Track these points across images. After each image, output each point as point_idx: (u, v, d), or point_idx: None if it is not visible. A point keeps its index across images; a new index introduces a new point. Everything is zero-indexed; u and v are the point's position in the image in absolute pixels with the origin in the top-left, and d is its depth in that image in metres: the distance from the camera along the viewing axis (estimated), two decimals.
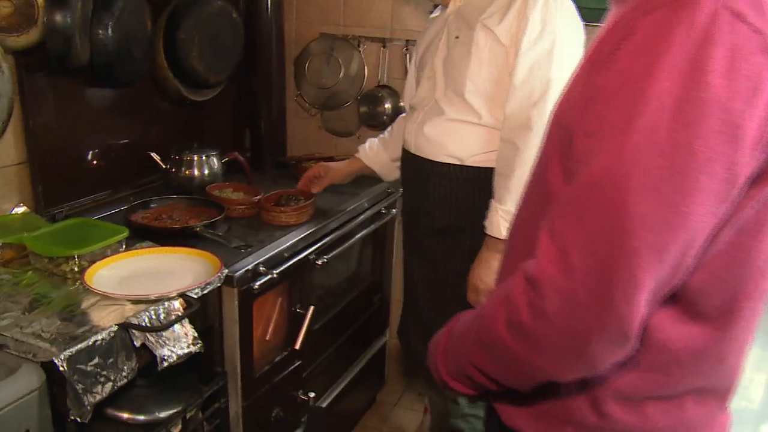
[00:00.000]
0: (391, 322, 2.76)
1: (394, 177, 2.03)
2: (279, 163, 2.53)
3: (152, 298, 1.37)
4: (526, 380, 0.87)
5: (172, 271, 1.53)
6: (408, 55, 2.52)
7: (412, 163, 1.74)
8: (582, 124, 0.78)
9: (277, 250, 1.73)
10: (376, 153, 1.96)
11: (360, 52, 2.57)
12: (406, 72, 2.54)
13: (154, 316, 1.37)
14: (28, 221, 1.66)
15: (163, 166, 2.12)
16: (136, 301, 1.37)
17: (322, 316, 2.07)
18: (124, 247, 1.61)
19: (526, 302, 0.79)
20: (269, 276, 1.63)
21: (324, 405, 2.13)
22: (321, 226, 1.91)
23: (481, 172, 1.62)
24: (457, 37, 1.62)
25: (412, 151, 1.72)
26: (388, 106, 2.55)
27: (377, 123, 2.58)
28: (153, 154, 2.10)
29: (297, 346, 1.85)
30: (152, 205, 1.91)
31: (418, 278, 1.80)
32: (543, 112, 1.50)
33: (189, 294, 1.42)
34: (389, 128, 2.02)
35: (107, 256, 1.53)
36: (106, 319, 1.32)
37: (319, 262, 1.86)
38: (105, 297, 1.37)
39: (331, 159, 2.48)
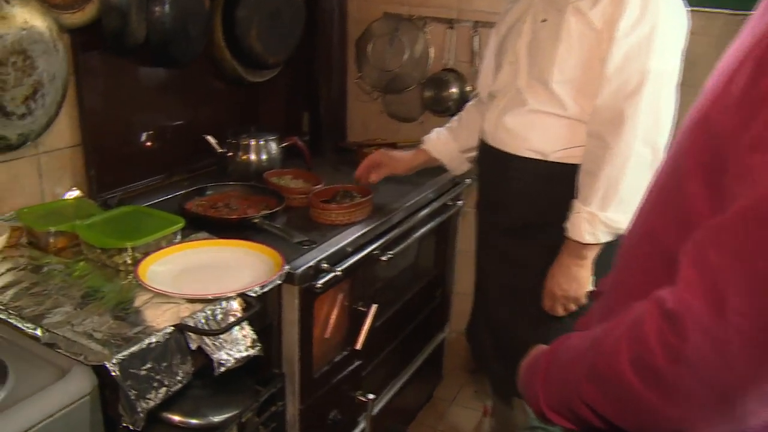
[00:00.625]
0: (452, 317, 2.64)
1: (463, 170, 1.88)
2: (339, 149, 2.41)
3: (209, 297, 1.26)
4: (651, 427, 0.73)
5: (230, 267, 1.43)
6: (476, 37, 2.36)
7: (490, 155, 1.59)
8: (744, 136, 0.63)
9: (340, 245, 1.61)
10: (445, 144, 1.81)
11: (425, 33, 2.42)
12: (473, 55, 2.39)
13: (211, 317, 1.26)
14: (81, 207, 1.58)
15: (219, 150, 2.02)
16: (192, 300, 1.26)
17: (383, 312, 1.95)
18: (179, 237, 1.51)
19: (662, 341, 0.65)
20: (333, 274, 1.51)
21: (381, 404, 2.02)
22: (385, 219, 1.78)
23: (566, 168, 1.47)
24: (544, 20, 1.46)
25: (491, 143, 1.57)
26: (454, 90, 2.40)
27: (442, 108, 2.43)
28: (208, 138, 2.00)
29: (358, 346, 1.74)
30: (208, 192, 1.81)
31: (492, 277, 1.66)
32: (637, 106, 1.33)
33: (248, 294, 1.31)
34: (457, 116, 1.87)
35: (162, 248, 1.44)
36: (160, 319, 1.22)
37: (384, 258, 1.74)
38: (159, 295, 1.27)
39: (393, 145, 2.35)
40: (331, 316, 1.70)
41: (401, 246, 1.82)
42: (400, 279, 2.11)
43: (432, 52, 2.43)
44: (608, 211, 1.36)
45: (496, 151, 1.56)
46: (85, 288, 1.32)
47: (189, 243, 1.48)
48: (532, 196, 1.51)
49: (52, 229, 1.44)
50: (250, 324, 1.33)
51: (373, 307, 1.75)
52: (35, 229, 1.45)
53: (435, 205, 2.04)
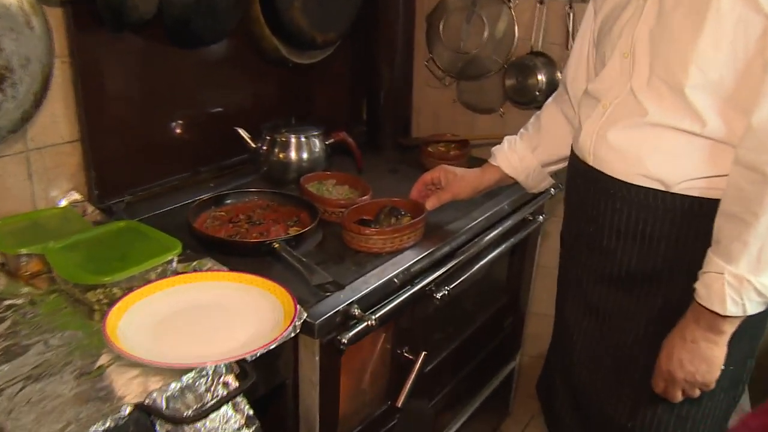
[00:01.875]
0: (524, 342, 2.26)
1: (544, 187, 1.48)
2: (399, 146, 2.05)
3: (190, 367, 0.95)
4: None
5: (230, 311, 1.11)
6: (571, 14, 1.92)
7: (586, 178, 1.19)
8: None
9: (380, 281, 1.25)
10: (521, 158, 1.41)
11: (510, 8, 2.01)
12: (567, 37, 1.95)
13: (190, 388, 0.95)
14: (67, 220, 1.30)
15: (252, 146, 1.70)
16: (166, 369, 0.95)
17: (438, 352, 1.59)
18: (174, 265, 1.21)
19: None
20: (365, 323, 1.17)
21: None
22: (441, 245, 1.41)
23: (697, 204, 1.05)
24: None
25: (590, 162, 1.17)
26: (541, 78, 1.98)
27: (526, 99, 2.02)
28: (240, 131, 1.68)
29: (399, 403, 1.39)
30: (227, 201, 1.50)
31: (578, 335, 1.27)
32: None
33: (244, 361, 0.98)
34: (534, 118, 1.44)
35: (150, 282, 1.13)
36: (123, 390, 0.92)
37: (439, 296, 1.38)
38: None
39: (466, 143, 1.97)
40: (367, 363, 1.36)
41: (464, 277, 1.45)
42: (463, 312, 1.74)
43: (517, 31, 2.01)
44: (765, 275, 0.95)
45: (596, 173, 1.15)
46: (49, 331, 1.04)
47: (182, 277, 1.17)
48: (645, 239, 1.10)
49: (23, 251, 1.17)
50: (246, 394, 1.01)
51: (422, 356, 1.39)
52: (3, 250, 1.17)
53: (508, 222, 1.65)
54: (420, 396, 1.52)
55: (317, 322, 1.12)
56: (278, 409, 1.21)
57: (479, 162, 1.96)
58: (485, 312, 1.84)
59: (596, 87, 1.17)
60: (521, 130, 1.45)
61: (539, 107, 2.00)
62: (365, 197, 1.52)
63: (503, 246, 1.62)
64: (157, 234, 1.23)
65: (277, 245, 1.29)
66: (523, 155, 1.39)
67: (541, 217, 1.80)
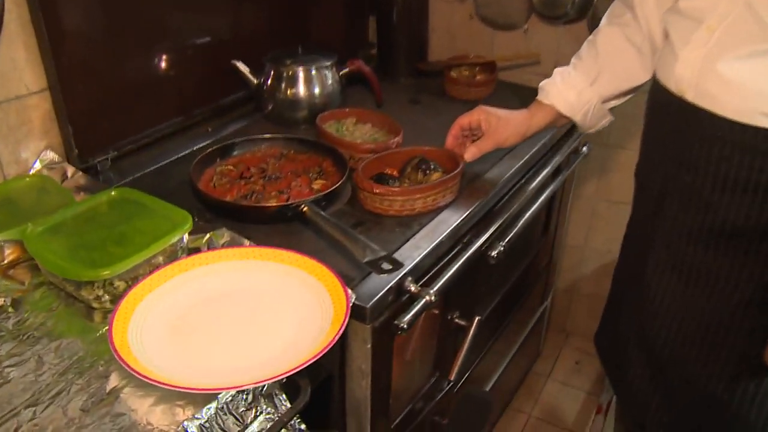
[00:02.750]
0: (555, 281, 2.10)
1: (602, 126, 1.26)
2: (417, 72, 1.79)
3: (227, 389, 0.74)
4: None
5: (262, 298, 0.90)
6: None
7: (682, 117, 0.96)
8: None
9: (431, 246, 1.05)
10: (579, 93, 1.17)
11: None
12: None
13: (228, 410, 0.75)
14: (45, 191, 1.06)
15: (254, 81, 1.45)
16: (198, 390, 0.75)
17: (485, 309, 1.42)
18: (185, 241, 0.99)
19: None
20: (424, 300, 0.97)
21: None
22: (488, 197, 1.20)
23: None
24: None
25: (689, 97, 0.94)
26: None
27: (557, 13, 1.76)
28: (238, 64, 1.43)
29: (452, 377, 1.22)
30: (234, 152, 1.26)
31: (663, 298, 1.08)
32: None
33: (297, 375, 0.78)
34: (588, 45, 1.20)
35: (159, 267, 0.92)
36: (150, 416, 0.73)
37: (494, 254, 1.18)
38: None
39: (492, 66, 1.72)
40: (415, 334, 1.18)
41: (516, 229, 1.25)
42: (506, 266, 1.55)
43: None
44: None
45: (698, 111, 0.93)
46: (40, 343, 0.82)
47: (197, 257, 0.95)
48: (758, 190, 0.90)
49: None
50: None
51: (476, 321, 1.21)
52: None
53: (555, 159, 1.44)
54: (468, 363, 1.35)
55: (369, 305, 0.92)
56: (322, 403, 1.03)
57: (508, 88, 1.74)
58: (526, 257, 1.65)
59: (693, 3, 0.93)
60: (573, 59, 1.21)
61: (570, 22, 1.76)
62: (395, 139, 1.28)
63: (552, 186, 1.41)
64: (158, 204, 1.00)
65: (305, 208, 1.07)
66: (581, 89, 1.16)
67: (585, 147, 1.58)
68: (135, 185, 1.21)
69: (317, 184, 1.18)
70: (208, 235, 1.03)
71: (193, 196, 1.14)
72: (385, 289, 0.95)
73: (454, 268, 1.07)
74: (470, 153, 1.18)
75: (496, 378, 1.68)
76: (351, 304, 0.88)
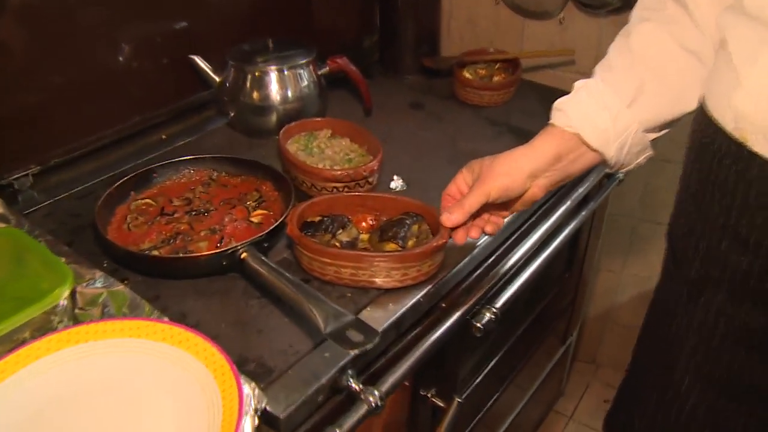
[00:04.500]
0: (585, 310, 1.82)
1: (638, 164, 0.91)
2: (424, 69, 1.51)
3: None
4: None
5: (136, 398, 0.67)
6: None
7: (742, 171, 0.66)
8: None
9: (392, 318, 0.80)
10: (615, 119, 0.81)
11: None
12: None
13: None
14: None
15: (216, 80, 1.20)
16: None
17: (466, 385, 1.16)
18: (64, 304, 0.76)
19: None
20: (366, 405, 0.72)
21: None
22: (479, 249, 0.93)
23: None
24: None
25: (753, 145, 0.64)
26: None
27: (598, 2, 1.45)
28: (196, 59, 1.18)
29: None
30: (154, 181, 1.01)
31: (701, 413, 0.79)
32: None
33: None
34: (619, 50, 0.84)
35: (24, 345, 0.69)
36: None
37: (483, 323, 0.91)
38: None
39: (515, 63, 1.43)
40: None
41: (517, 286, 0.98)
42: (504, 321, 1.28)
43: None
44: None
45: None
46: None
47: (76, 330, 0.72)
48: None
49: None
50: None
51: (455, 403, 0.95)
52: None
53: (579, 188, 1.15)
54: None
55: (283, 414, 0.68)
56: None
57: (533, 91, 1.45)
58: (540, 302, 1.37)
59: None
60: (598, 70, 0.85)
61: (615, 12, 1.44)
62: (372, 162, 1.02)
63: (574, 222, 1.13)
64: (42, 254, 0.77)
65: (244, 254, 0.82)
66: (617, 112, 0.81)
67: (621, 175, 1.29)
68: (53, 211, 1.00)
69: (257, 216, 0.95)
70: (104, 294, 0.81)
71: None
72: (313, 387, 0.70)
73: (421, 350, 0.82)
74: (445, 216, 0.83)
75: (507, 424, 1.43)
76: (252, 402, 0.64)
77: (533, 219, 1.08)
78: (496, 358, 1.21)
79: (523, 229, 1.06)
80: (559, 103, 0.85)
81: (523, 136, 1.23)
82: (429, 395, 0.98)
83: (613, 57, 0.85)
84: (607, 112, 0.81)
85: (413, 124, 1.29)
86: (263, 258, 0.82)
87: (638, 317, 1.93)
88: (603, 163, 0.86)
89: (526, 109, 1.36)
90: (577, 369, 2.03)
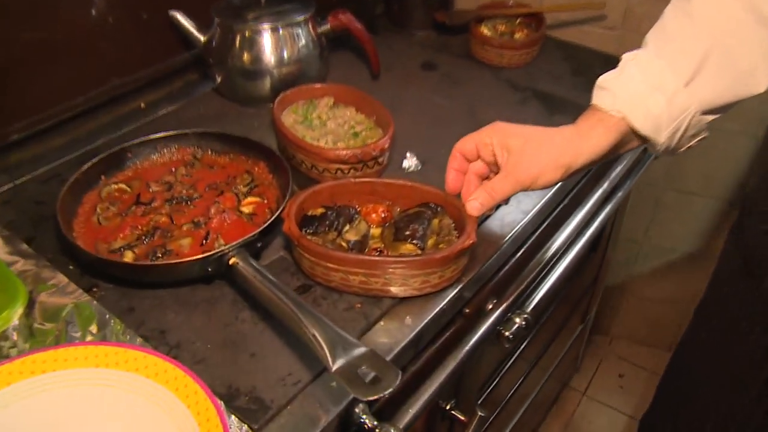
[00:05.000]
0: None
1: (688, 147, 0.76)
2: (437, 24, 1.35)
3: None
4: None
5: None
6: None
7: None
8: None
9: (411, 335, 0.67)
10: (671, 100, 0.66)
11: None
12: None
13: None
14: None
15: (201, 40, 1.05)
16: None
17: (505, 362, 1.04)
18: (18, 321, 0.63)
19: None
20: None
21: None
22: (504, 247, 0.80)
23: None
24: None
25: None
26: None
27: None
28: (176, 15, 1.03)
29: None
30: (128, 162, 0.87)
31: None
32: None
33: None
34: (676, 6, 0.69)
35: None
36: None
37: (512, 332, 0.79)
38: None
39: (539, 19, 1.26)
40: None
41: (546, 288, 0.85)
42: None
43: None
44: None
45: None
46: None
47: (32, 359, 0.59)
48: None
49: None
50: None
51: (477, 418, 0.84)
52: None
53: (611, 174, 1.02)
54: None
55: None
56: None
57: (560, 50, 1.28)
58: (566, 285, 1.25)
59: None
60: (650, 38, 0.70)
61: None
62: (382, 140, 0.88)
63: (607, 210, 0.99)
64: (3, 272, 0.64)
65: (233, 258, 0.69)
66: (673, 92, 0.66)
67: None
68: (12, 198, 0.87)
69: (248, 206, 0.81)
70: (68, 307, 0.68)
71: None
72: (319, 428, 0.58)
73: (446, 373, 0.69)
74: (471, 206, 0.71)
75: (525, 407, 1.33)
76: None
77: (566, 202, 0.95)
78: (517, 354, 1.09)
79: (554, 214, 0.92)
80: (605, 80, 0.71)
81: (550, 102, 1.09)
82: (447, 407, 0.86)
83: (669, 24, 0.70)
84: (660, 94, 0.67)
85: (426, 88, 1.14)
86: (256, 264, 0.68)
87: (657, 290, 1.82)
88: (649, 147, 0.73)
89: (552, 70, 1.21)
90: (590, 342, 1.93)
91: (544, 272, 0.86)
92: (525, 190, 0.70)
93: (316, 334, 0.58)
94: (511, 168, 0.69)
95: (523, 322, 0.79)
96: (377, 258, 0.68)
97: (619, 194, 1.03)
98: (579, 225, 0.91)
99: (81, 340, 0.65)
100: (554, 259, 0.87)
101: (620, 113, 0.68)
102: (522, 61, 1.22)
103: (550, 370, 1.45)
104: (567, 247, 0.90)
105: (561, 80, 1.18)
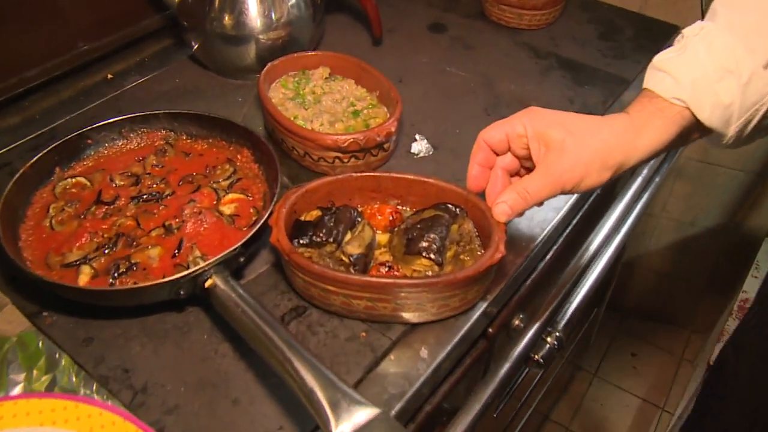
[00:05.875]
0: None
1: (752, 140, 0.63)
2: None
3: None
4: None
5: None
6: None
7: None
8: None
9: (428, 371, 0.56)
10: (746, 85, 0.53)
11: None
12: None
13: None
14: None
15: (174, 0, 0.90)
16: None
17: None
18: None
19: None
20: None
21: None
22: (526, 261, 0.68)
23: None
24: None
25: None
26: None
27: None
28: None
29: None
30: (90, 147, 0.73)
31: None
32: None
33: None
34: None
35: None
36: None
37: (543, 354, 0.67)
38: None
39: None
40: None
41: (576, 303, 0.73)
42: None
43: None
44: None
45: None
46: None
47: None
48: None
49: None
50: None
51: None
52: None
53: (648, 171, 0.89)
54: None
55: None
56: None
57: (587, 11, 1.11)
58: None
59: None
60: (719, 5, 0.57)
61: None
62: (388, 122, 0.74)
63: (644, 199, 0.87)
64: None
65: (210, 280, 0.56)
66: (751, 74, 0.53)
67: None
68: None
69: (229, 205, 0.69)
70: (10, 342, 0.56)
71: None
72: None
73: (470, 417, 0.58)
74: (499, 210, 0.58)
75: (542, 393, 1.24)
76: None
77: (598, 191, 0.82)
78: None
79: (585, 209, 0.80)
80: (663, 60, 0.58)
81: (577, 71, 0.95)
82: None
83: None
84: (733, 78, 0.54)
85: (435, 54, 1.00)
86: (237, 288, 0.56)
87: (672, 264, 1.71)
88: (708, 141, 0.60)
89: (576, 33, 1.07)
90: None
91: (578, 279, 0.74)
92: (565, 193, 0.57)
93: (315, 390, 0.46)
94: (549, 166, 0.56)
95: (555, 342, 0.68)
96: (386, 281, 0.55)
97: (657, 180, 0.90)
98: (617, 220, 0.79)
99: (24, 386, 0.52)
100: (591, 263, 0.75)
101: (682, 102, 0.55)
102: (544, 22, 1.07)
103: (567, 353, 1.35)
104: (601, 246, 0.77)
105: (587, 45, 1.04)
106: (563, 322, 0.69)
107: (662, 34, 1.07)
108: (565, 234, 0.76)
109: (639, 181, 0.85)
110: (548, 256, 0.74)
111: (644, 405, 1.69)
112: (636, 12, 1.14)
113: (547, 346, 0.67)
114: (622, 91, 0.93)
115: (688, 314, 1.84)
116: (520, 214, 0.59)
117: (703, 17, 0.60)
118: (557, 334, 0.68)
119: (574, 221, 0.78)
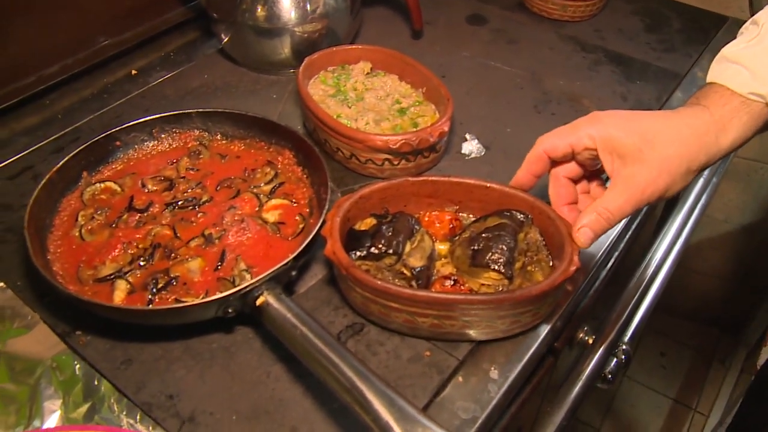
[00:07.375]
0: None
1: None
2: None
3: None
4: None
5: None
6: None
7: None
8: None
9: (500, 393, 0.51)
10: None
11: None
12: None
13: None
14: None
15: None
16: None
17: None
18: None
19: None
20: None
21: None
22: (591, 272, 0.63)
23: None
24: None
25: None
26: None
27: None
28: None
29: None
30: (119, 150, 0.68)
31: None
32: None
33: None
34: None
35: None
36: None
37: (610, 372, 0.62)
38: None
39: None
40: None
41: (643, 313, 0.68)
42: None
43: None
44: None
45: None
46: None
47: None
48: None
49: None
50: None
51: None
52: None
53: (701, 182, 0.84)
54: None
55: None
56: None
57: (634, 2, 1.06)
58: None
59: None
60: None
61: None
62: (440, 122, 0.69)
63: (707, 192, 0.82)
64: None
65: (262, 297, 0.51)
66: None
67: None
68: None
69: (273, 212, 0.64)
70: (45, 364, 0.51)
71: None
72: None
73: None
74: (582, 236, 0.52)
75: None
76: None
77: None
78: None
79: (645, 211, 0.74)
80: (733, 52, 0.54)
81: (627, 66, 0.90)
82: None
83: None
84: None
85: (477, 48, 0.95)
86: (292, 305, 0.51)
87: (704, 262, 1.66)
88: None
89: (622, 25, 1.01)
90: None
91: (646, 289, 0.69)
92: (647, 204, 0.52)
93: (392, 425, 0.41)
94: (629, 180, 0.51)
95: (623, 356, 0.63)
96: (458, 297, 0.50)
97: (714, 181, 0.85)
98: (681, 225, 0.74)
99: (61, 416, 0.48)
100: (658, 269, 0.70)
101: (764, 98, 0.50)
102: (588, 13, 1.02)
103: None
104: (666, 254, 0.72)
105: (635, 39, 0.98)
106: (629, 335, 0.64)
107: (712, 25, 1.02)
108: (626, 239, 0.71)
109: (701, 183, 0.80)
110: (611, 264, 0.69)
111: (675, 406, 1.64)
112: (681, 2, 1.09)
113: (615, 360, 0.62)
114: (676, 87, 0.88)
115: (716, 312, 1.79)
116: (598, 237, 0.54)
117: (751, 6, 0.56)
118: (624, 347, 0.63)
119: (633, 226, 0.73)
